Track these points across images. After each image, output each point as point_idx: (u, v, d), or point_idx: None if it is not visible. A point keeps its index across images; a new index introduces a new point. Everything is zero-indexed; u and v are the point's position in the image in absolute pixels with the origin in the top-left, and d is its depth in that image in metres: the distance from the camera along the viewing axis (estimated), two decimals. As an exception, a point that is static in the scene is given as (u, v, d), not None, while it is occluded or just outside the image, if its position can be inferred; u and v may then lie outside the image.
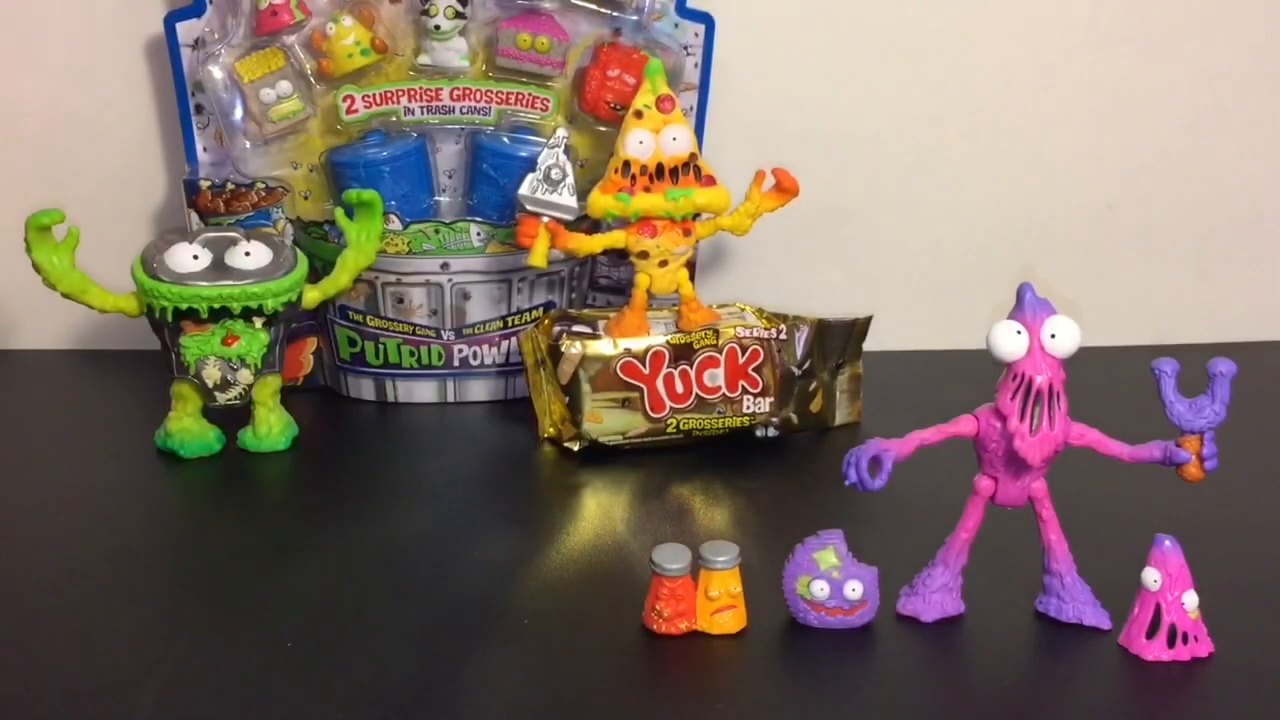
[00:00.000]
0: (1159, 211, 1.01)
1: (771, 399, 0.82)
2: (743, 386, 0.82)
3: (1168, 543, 0.60)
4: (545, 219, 0.81)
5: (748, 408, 0.82)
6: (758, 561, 0.65)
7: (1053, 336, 0.59)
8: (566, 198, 0.83)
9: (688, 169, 0.80)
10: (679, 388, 0.81)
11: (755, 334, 0.82)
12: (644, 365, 0.80)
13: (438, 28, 0.85)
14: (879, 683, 0.59)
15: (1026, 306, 0.60)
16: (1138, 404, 0.67)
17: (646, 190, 0.80)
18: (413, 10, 0.85)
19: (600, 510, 0.75)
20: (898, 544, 0.68)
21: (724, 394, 0.81)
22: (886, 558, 0.64)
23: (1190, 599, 0.60)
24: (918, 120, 0.97)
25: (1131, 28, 0.97)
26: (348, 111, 0.86)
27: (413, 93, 0.86)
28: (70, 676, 0.57)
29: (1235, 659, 0.60)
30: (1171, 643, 0.59)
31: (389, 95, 0.86)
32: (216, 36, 0.85)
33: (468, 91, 0.87)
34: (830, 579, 0.61)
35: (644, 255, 0.81)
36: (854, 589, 0.61)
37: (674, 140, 0.79)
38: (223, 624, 0.61)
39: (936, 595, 0.63)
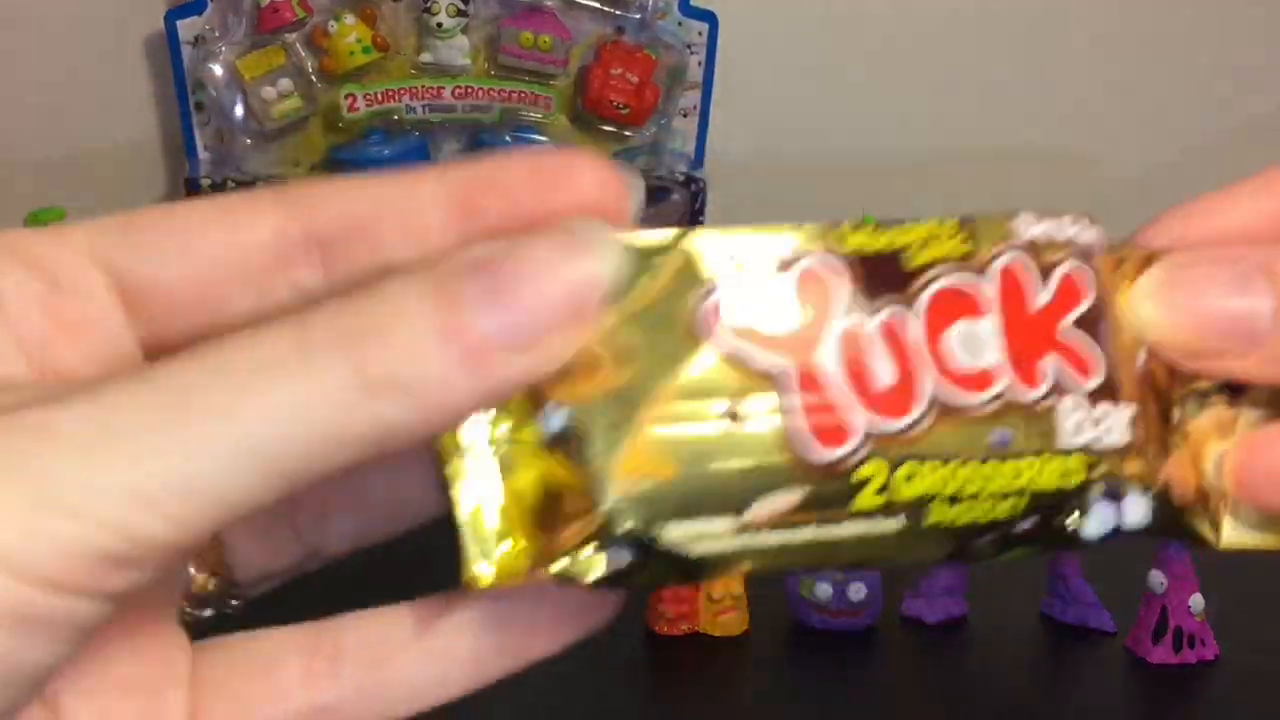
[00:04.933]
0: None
1: (1131, 406, 0.25)
2: (1055, 369, 0.25)
3: (1174, 545, 0.59)
4: None
5: (1075, 429, 0.25)
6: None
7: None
8: None
9: None
10: (881, 370, 0.24)
11: (1071, 237, 0.26)
12: (776, 299, 0.24)
13: (440, 25, 0.84)
14: (882, 685, 0.59)
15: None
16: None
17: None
18: (414, 8, 0.85)
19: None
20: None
21: (1006, 388, 0.25)
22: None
23: (1196, 602, 0.59)
24: (925, 119, 0.97)
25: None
26: (349, 109, 0.85)
27: (414, 91, 0.86)
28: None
29: (1241, 662, 0.59)
30: (1178, 646, 0.59)
31: (390, 93, 0.86)
32: (217, 34, 0.84)
33: (469, 90, 0.86)
34: (833, 580, 0.61)
35: None
36: (857, 590, 0.61)
37: None
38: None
39: (940, 596, 0.63)
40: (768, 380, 0.23)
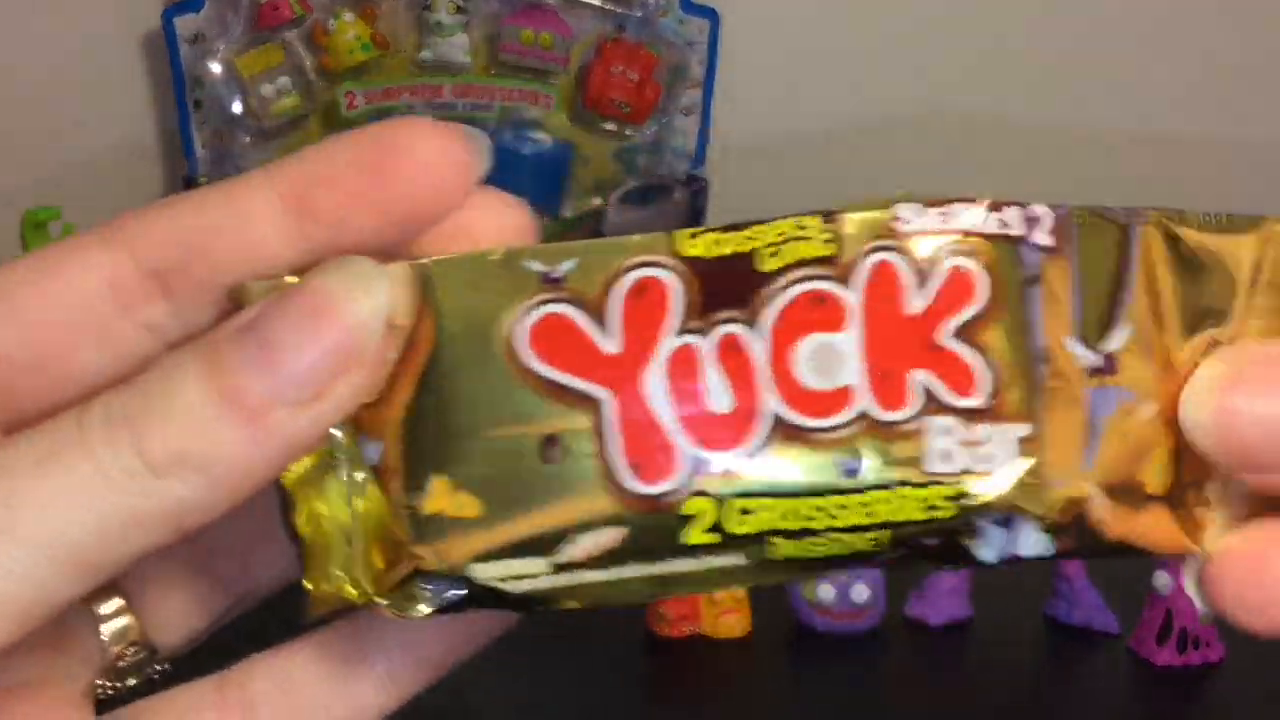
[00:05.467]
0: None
1: (1024, 425, 0.22)
2: (924, 386, 0.22)
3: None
4: None
5: (944, 455, 0.22)
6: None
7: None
8: None
9: None
10: (715, 394, 0.22)
11: (952, 225, 0.22)
12: (598, 318, 0.22)
13: (439, 23, 0.84)
14: (885, 687, 0.58)
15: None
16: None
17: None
18: (414, 5, 0.85)
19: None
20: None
21: (863, 410, 0.22)
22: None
23: (1202, 603, 0.59)
24: (929, 114, 0.96)
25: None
26: (348, 107, 0.85)
27: (414, 89, 0.86)
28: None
29: (1246, 664, 0.59)
30: (1182, 647, 0.59)
31: (390, 91, 0.85)
32: (216, 31, 0.84)
33: (469, 88, 0.86)
34: (836, 582, 0.61)
35: None
36: (860, 592, 0.61)
37: None
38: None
39: (944, 598, 0.62)
40: (586, 407, 0.21)
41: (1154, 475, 0.22)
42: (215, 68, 0.84)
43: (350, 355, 0.20)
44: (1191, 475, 0.22)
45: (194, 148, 0.86)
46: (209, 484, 0.20)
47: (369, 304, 0.20)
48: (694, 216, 0.88)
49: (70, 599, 0.20)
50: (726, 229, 0.22)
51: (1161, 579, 0.59)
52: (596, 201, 0.86)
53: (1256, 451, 0.21)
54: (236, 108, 0.84)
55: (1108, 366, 0.22)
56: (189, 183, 0.86)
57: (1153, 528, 0.22)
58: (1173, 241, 0.23)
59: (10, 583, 0.19)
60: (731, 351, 0.21)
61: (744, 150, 0.87)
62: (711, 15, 0.87)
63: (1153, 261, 0.22)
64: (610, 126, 0.86)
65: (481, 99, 0.86)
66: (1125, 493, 0.22)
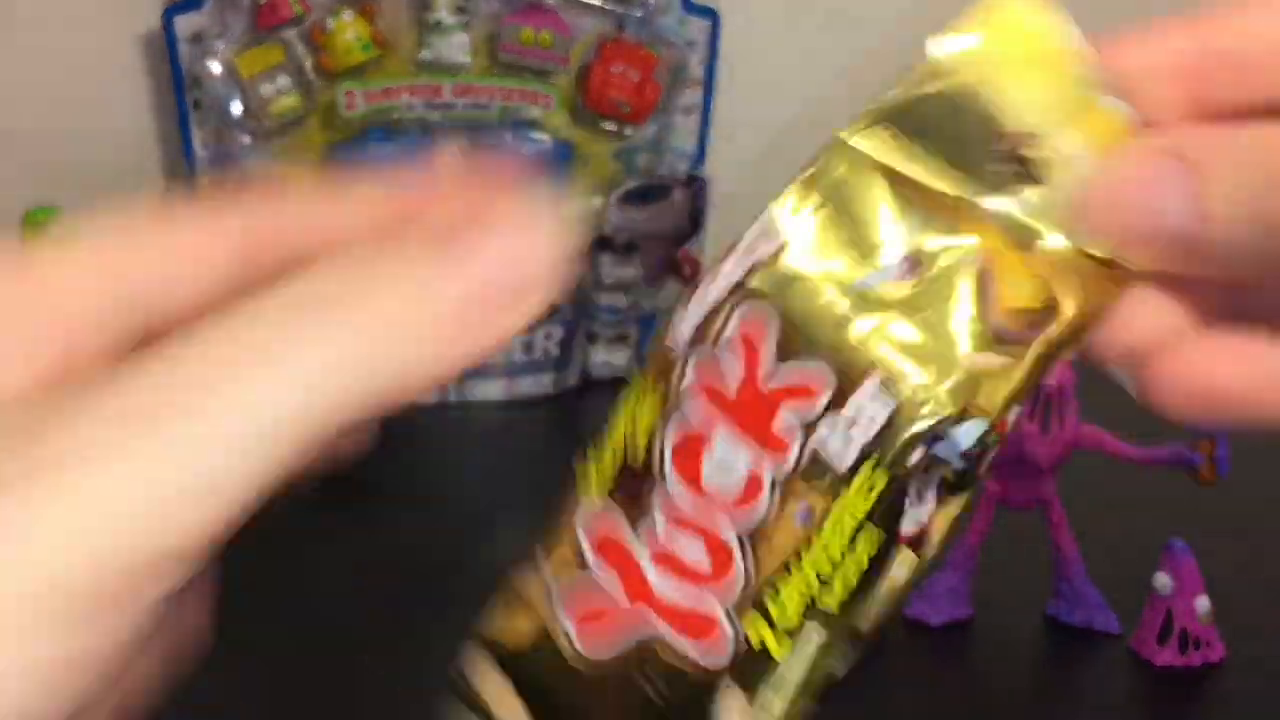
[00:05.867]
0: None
1: (873, 375, 0.23)
2: (790, 418, 0.24)
3: (1179, 546, 0.59)
4: None
5: (843, 447, 0.24)
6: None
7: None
8: None
9: None
10: (694, 557, 0.25)
11: (726, 288, 0.25)
12: None
13: (439, 22, 0.84)
14: (885, 687, 0.58)
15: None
16: (1149, 406, 0.66)
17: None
18: (414, 5, 0.85)
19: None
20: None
21: (773, 474, 0.24)
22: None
23: (1202, 603, 0.59)
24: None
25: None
26: (348, 107, 0.85)
27: (414, 88, 0.86)
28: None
29: (1247, 664, 0.59)
30: (1183, 647, 0.59)
31: (390, 91, 0.85)
32: (215, 31, 0.84)
33: (469, 87, 0.86)
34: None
35: None
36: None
37: None
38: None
39: (944, 598, 0.62)
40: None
41: (1014, 301, 0.24)
42: (215, 67, 0.84)
43: (546, 272, 0.22)
44: (1045, 280, 0.24)
45: (193, 147, 0.86)
46: (409, 372, 0.21)
47: (562, 241, 0.23)
48: (694, 216, 0.88)
49: (280, 478, 0.21)
50: (596, 462, 0.26)
51: (1161, 579, 0.59)
52: (597, 201, 0.86)
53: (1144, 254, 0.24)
54: (236, 107, 0.84)
55: (909, 268, 0.24)
56: (189, 182, 0.85)
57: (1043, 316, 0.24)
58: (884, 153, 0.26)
59: (235, 462, 0.20)
60: (677, 521, 0.25)
61: (744, 150, 0.87)
62: (711, 15, 0.87)
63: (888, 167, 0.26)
64: (610, 126, 0.86)
65: (481, 99, 0.86)
66: (1001, 334, 0.24)
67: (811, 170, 0.26)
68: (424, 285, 0.21)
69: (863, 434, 0.23)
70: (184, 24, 0.84)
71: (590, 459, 0.26)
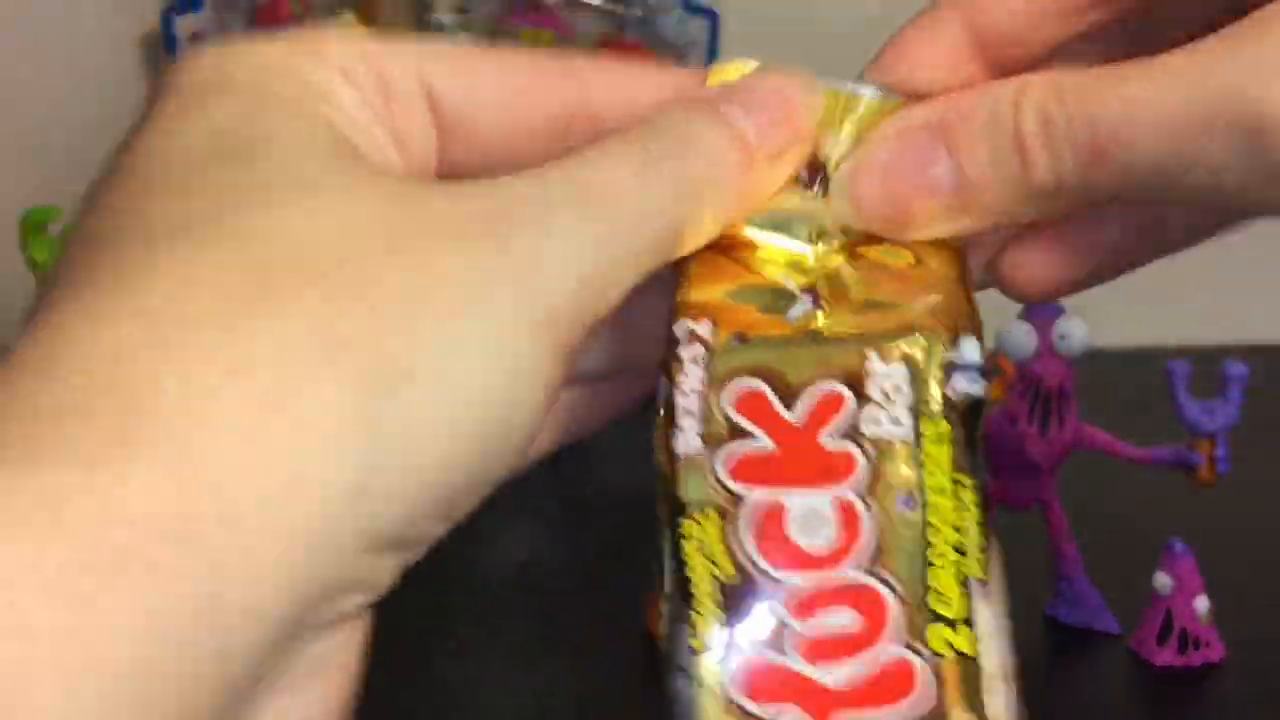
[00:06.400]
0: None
1: (903, 335, 0.25)
2: (834, 433, 0.25)
3: (1179, 547, 0.59)
4: None
5: (890, 421, 0.25)
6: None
7: (1062, 337, 0.58)
8: None
9: None
10: (842, 622, 0.24)
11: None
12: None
13: (440, 23, 0.84)
14: (885, 687, 0.58)
15: (1037, 306, 0.59)
16: (1149, 406, 0.66)
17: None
18: (414, 5, 0.85)
19: (606, 509, 0.74)
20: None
21: (855, 505, 0.25)
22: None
23: (1202, 604, 0.59)
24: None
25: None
26: (348, 107, 0.85)
27: (414, 89, 0.86)
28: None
29: (1247, 664, 0.59)
30: (1183, 648, 0.59)
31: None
32: (215, 31, 0.84)
33: (469, 87, 0.86)
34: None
35: None
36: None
37: None
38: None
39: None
40: None
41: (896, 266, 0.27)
42: (215, 67, 0.84)
43: (803, 133, 0.27)
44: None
45: (193, 147, 0.86)
46: (718, 202, 0.26)
47: (816, 101, 0.27)
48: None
49: (639, 279, 0.25)
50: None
51: (1161, 579, 0.59)
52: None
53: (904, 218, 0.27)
54: (236, 107, 0.84)
55: (813, 299, 0.26)
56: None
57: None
58: None
59: (632, 253, 0.24)
60: (816, 597, 0.25)
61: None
62: (711, 15, 0.87)
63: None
64: (610, 126, 0.86)
65: (481, 99, 0.86)
66: (915, 288, 0.26)
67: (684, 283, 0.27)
68: (732, 140, 0.26)
69: (903, 399, 0.24)
70: (184, 24, 0.84)
71: (682, 619, 0.24)
